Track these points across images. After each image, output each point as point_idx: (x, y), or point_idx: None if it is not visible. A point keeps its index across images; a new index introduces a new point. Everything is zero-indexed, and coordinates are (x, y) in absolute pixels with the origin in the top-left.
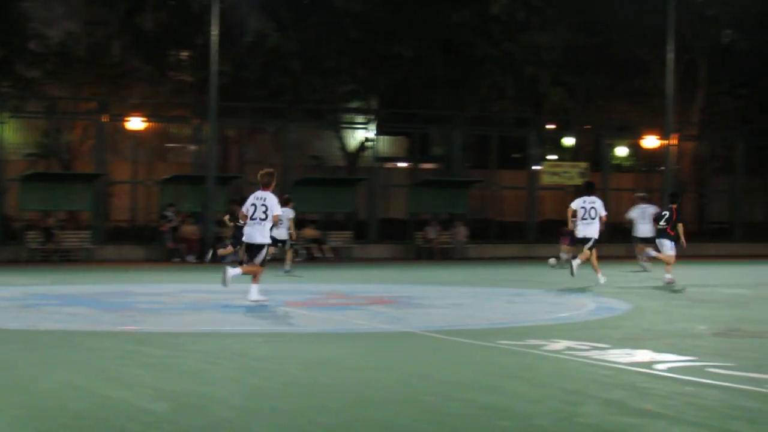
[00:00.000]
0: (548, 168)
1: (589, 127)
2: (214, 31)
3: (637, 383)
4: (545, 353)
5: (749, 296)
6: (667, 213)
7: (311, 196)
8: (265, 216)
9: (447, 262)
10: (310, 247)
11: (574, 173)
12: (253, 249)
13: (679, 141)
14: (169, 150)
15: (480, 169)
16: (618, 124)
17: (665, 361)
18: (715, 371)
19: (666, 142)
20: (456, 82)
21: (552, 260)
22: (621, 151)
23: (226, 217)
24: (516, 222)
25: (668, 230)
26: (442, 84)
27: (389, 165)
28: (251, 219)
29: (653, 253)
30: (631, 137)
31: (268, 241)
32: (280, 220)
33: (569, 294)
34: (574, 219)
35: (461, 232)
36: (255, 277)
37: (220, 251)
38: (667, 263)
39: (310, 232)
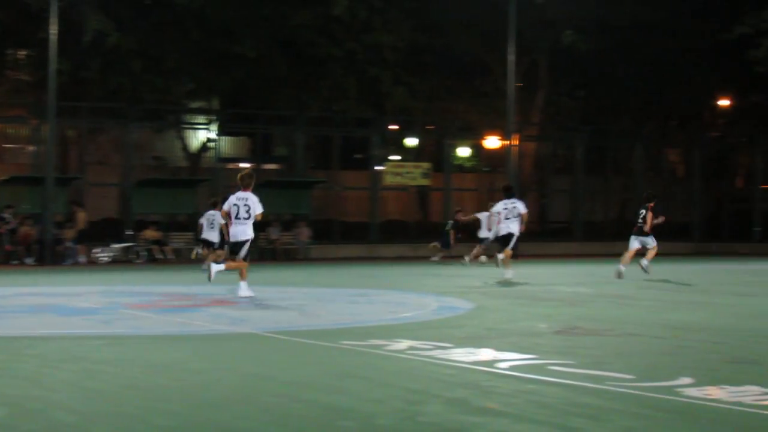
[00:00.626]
0: (391, 168)
1: (431, 127)
2: (53, 30)
3: (479, 382)
4: (388, 353)
5: (588, 294)
6: (644, 211)
7: (153, 197)
8: (249, 215)
9: (290, 262)
10: (152, 249)
11: (416, 174)
12: (236, 246)
13: (520, 141)
14: (6, 151)
15: (323, 170)
16: (460, 125)
17: (507, 360)
18: (556, 369)
19: (507, 142)
20: (298, 83)
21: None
22: (463, 151)
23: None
24: (359, 222)
25: (645, 229)
26: (284, 84)
27: (232, 166)
28: (236, 219)
29: (645, 262)
30: (473, 138)
31: (250, 237)
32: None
33: (412, 294)
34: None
35: (304, 232)
36: (242, 273)
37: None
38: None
39: (151, 233)
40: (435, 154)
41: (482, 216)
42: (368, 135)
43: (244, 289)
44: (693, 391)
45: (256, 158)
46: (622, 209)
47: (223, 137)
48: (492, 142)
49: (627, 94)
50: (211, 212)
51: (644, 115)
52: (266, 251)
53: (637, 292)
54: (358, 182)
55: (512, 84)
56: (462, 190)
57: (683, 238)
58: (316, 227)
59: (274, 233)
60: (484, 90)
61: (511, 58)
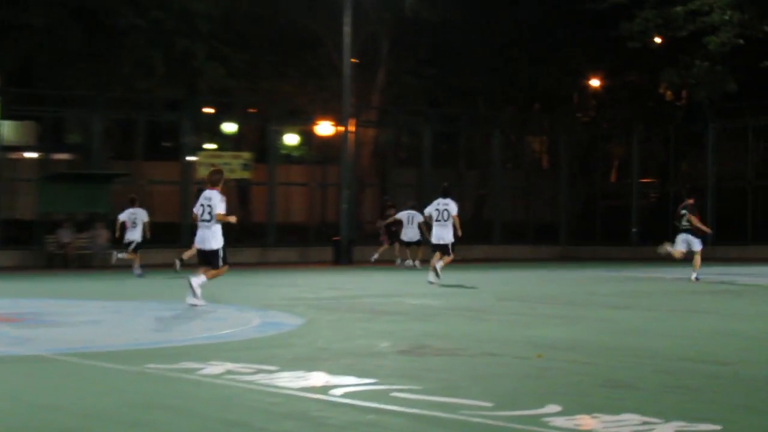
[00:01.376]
0: (206, 159)
1: (253, 110)
2: None
3: (310, 411)
4: (202, 378)
5: (438, 307)
6: (685, 212)
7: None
8: (210, 217)
9: (85, 270)
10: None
11: (236, 165)
12: (207, 256)
13: (357, 127)
14: None
15: (125, 161)
16: (287, 108)
17: (343, 385)
18: (399, 396)
19: (342, 128)
20: (95, 58)
21: (408, 262)
22: (291, 139)
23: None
24: (168, 223)
25: (693, 227)
26: (78, 59)
27: (14, 155)
28: (201, 221)
29: (676, 251)
30: (303, 123)
31: (220, 244)
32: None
33: (231, 307)
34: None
35: (102, 235)
36: (203, 280)
37: (186, 255)
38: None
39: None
40: (258, 142)
41: (404, 216)
42: (178, 119)
43: (196, 298)
44: (561, 421)
45: (44, 146)
46: (477, 207)
47: (5, 121)
48: (325, 129)
49: (482, 72)
50: (132, 210)
51: (503, 97)
52: (56, 257)
53: (494, 305)
54: (167, 175)
55: (348, 60)
56: (289, 185)
57: (548, 241)
58: (115, 229)
59: (65, 236)
60: (315, 67)
61: (347, 29)
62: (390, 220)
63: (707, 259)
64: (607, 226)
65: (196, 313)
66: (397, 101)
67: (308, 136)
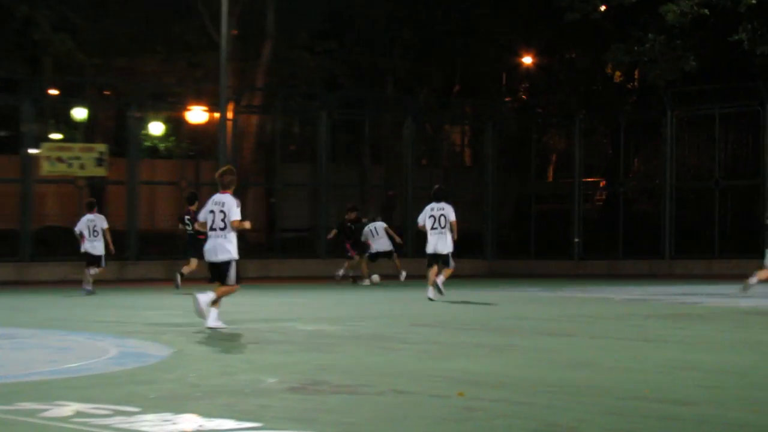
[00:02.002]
0: (50, 152)
1: (109, 93)
2: None
3: None
4: (46, 422)
5: (337, 335)
6: None
7: None
8: (225, 225)
9: None
10: None
11: (87, 160)
12: (218, 267)
13: (237, 114)
14: None
15: None
16: (151, 90)
17: (220, 430)
18: None
19: (219, 115)
20: None
21: (375, 277)
22: (156, 128)
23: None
24: (5, 230)
25: None
26: None
27: None
28: (211, 230)
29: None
30: (171, 109)
31: (235, 256)
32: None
33: (82, 335)
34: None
35: None
36: (217, 300)
37: (185, 269)
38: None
39: None
40: (115, 131)
41: (367, 232)
42: (17, 104)
43: (213, 319)
44: None
45: None
46: (385, 212)
47: None
48: (198, 116)
49: (391, 47)
50: (90, 217)
51: (416, 78)
52: None
53: (406, 331)
54: (3, 172)
55: (226, 31)
56: (154, 184)
57: (471, 254)
58: None
59: None
60: (186, 41)
61: None
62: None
63: (665, 276)
64: (543, 236)
65: (38, 342)
66: (286, 82)
67: (177, 125)
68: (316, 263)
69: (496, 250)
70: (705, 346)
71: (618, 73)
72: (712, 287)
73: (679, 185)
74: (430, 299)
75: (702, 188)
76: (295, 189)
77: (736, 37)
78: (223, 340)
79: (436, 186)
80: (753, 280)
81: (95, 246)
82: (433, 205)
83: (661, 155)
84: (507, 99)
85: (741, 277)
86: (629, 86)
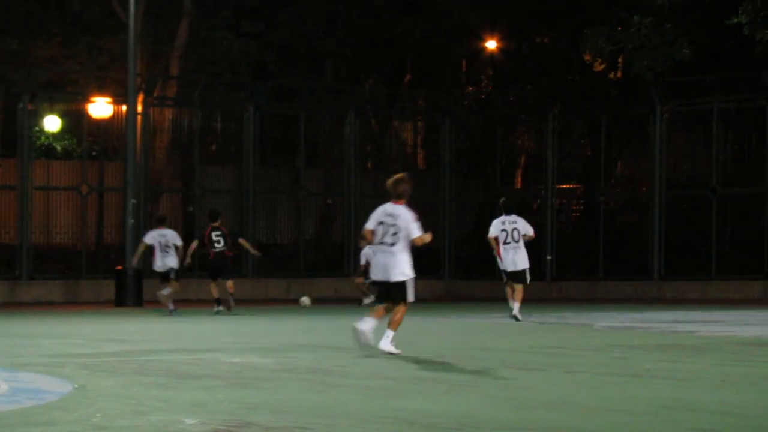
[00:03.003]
0: None
1: None
2: None
3: None
4: None
5: (268, 368)
6: None
7: None
8: (396, 240)
9: None
10: None
11: None
12: (389, 287)
13: (148, 107)
14: None
15: None
16: (46, 78)
17: None
18: None
19: (127, 108)
20: None
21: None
22: (51, 123)
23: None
24: None
25: None
26: None
27: None
28: (380, 244)
29: None
30: (70, 100)
31: (410, 274)
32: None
33: None
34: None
35: None
36: (396, 323)
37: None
38: None
39: None
40: (2, 127)
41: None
42: None
43: (390, 343)
44: None
45: None
46: (323, 223)
47: None
48: (102, 109)
49: (331, 29)
50: (161, 231)
51: (361, 65)
52: None
53: (349, 364)
54: None
55: (134, 9)
56: (50, 190)
57: (426, 273)
58: None
59: None
60: (87, 20)
61: None
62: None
63: (653, 300)
64: None
65: None
66: (207, 70)
67: (77, 120)
68: (242, 283)
69: (455, 269)
70: (700, 383)
71: (599, 62)
72: (708, 313)
73: (670, 193)
74: (516, 319)
75: (697, 197)
76: (217, 195)
77: (735, 20)
78: (134, 374)
79: (503, 198)
80: None
81: (165, 263)
82: (504, 218)
83: (648, 158)
84: (467, 90)
85: (741, 301)
86: (612, 77)
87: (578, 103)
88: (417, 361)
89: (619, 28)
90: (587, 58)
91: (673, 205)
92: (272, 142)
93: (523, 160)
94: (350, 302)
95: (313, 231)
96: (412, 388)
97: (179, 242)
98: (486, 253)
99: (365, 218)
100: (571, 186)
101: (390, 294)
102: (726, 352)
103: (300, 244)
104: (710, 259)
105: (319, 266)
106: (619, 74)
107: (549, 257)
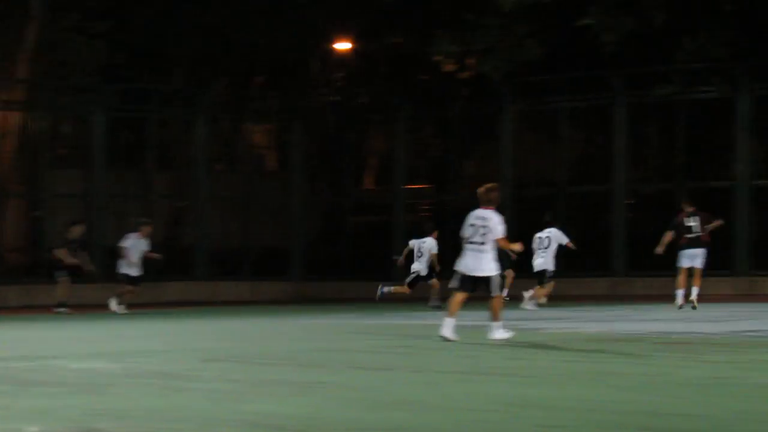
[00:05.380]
0: None
1: None
2: None
3: None
4: None
5: (113, 373)
6: (694, 219)
7: None
8: (484, 240)
9: None
10: None
11: None
12: (479, 281)
13: None
14: None
15: None
16: None
17: None
18: None
19: None
20: None
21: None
22: None
23: None
24: None
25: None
26: None
27: None
28: (471, 243)
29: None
30: None
31: (496, 271)
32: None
33: None
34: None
35: None
36: (495, 314)
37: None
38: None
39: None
40: None
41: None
42: None
43: (499, 331)
44: None
45: None
46: (173, 227)
47: None
48: None
49: (180, 30)
50: (422, 240)
51: (210, 68)
52: None
53: (196, 368)
54: None
55: None
56: None
57: (275, 275)
58: None
59: None
60: None
61: None
62: None
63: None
64: (359, 253)
65: None
66: (55, 73)
67: None
68: (88, 289)
69: (304, 271)
70: (546, 379)
71: (450, 63)
72: (554, 311)
73: (519, 192)
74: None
75: (546, 195)
76: (64, 200)
77: (585, 22)
78: None
79: (546, 216)
80: None
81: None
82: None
83: (498, 157)
84: (319, 92)
85: (587, 297)
86: (462, 76)
87: (428, 104)
88: (264, 364)
89: (468, 31)
90: (437, 59)
91: (523, 203)
92: (121, 146)
93: (374, 161)
94: (200, 304)
95: (163, 234)
96: (259, 391)
97: (435, 251)
98: (335, 253)
99: (216, 221)
100: (421, 186)
101: (472, 287)
102: (570, 348)
103: (150, 247)
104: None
105: (168, 269)
106: (469, 74)
107: (397, 257)
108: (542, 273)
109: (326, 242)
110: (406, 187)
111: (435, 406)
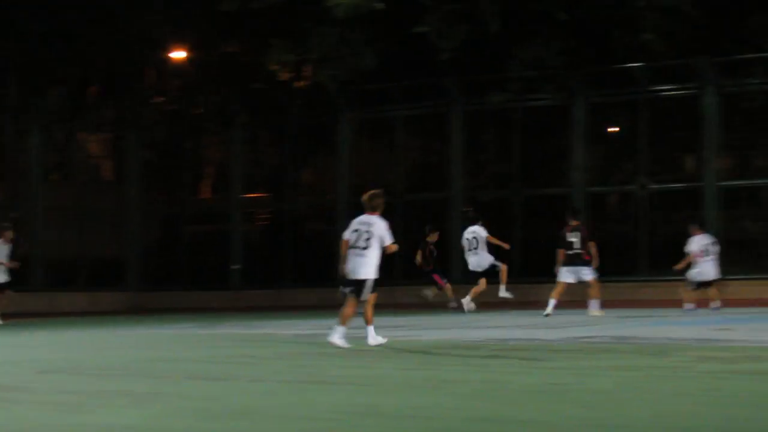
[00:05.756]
0: None
1: None
2: None
3: None
4: None
5: None
6: (575, 234)
7: None
8: (368, 245)
9: None
10: None
11: None
12: (358, 284)
13: None
14: None
15: None
16: None
17: None
18: None
19: None
20: None
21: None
22: None
23: None
24: None
25: (584, 255)
26: None
27: None
28: (353, 248)
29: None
30: None
31: (374, 276)
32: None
33: None
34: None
35: None
36: (367, 318)
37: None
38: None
39: None
40: None
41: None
42: None
43: (372, 337)
44: None
45: None
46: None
47: None
48: None
49: (13, 38)
50: (473, 229)
51: (44, 76)
52: None
53: (31, 380)
54: None
55: None
56: None
57: (111, 285)
58: None
59: None
60: None
61: None
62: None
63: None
64: (196, 263)
65: None
66: None
67: None
68: None
69: (140, 281)
70: (385, 387)
71: (285, 71)
72: (393, 318)
73: (356, 201)
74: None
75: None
76: None
77: (421, 29)
78: None
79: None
80: None
81: (479, 261)
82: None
83: (335, 166)
84: (155, 101)
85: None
86: (299, 85)
87: (265, 113)
88: (101, 375)
89: (304, 39)
90: (273, 67)
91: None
92: None
93: (210, 170)
94: (37, 316)
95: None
96: (95, 402)
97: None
98: (172, 263)
99: (52, 231)
100: (258, 195)
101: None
102: (408, 356)
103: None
104: (392, 264)
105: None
106: (306, 83)
107: (235, 266)
108: (479, 273)
109: (163, 252)
110: (243, 196)
111: (274, 416)
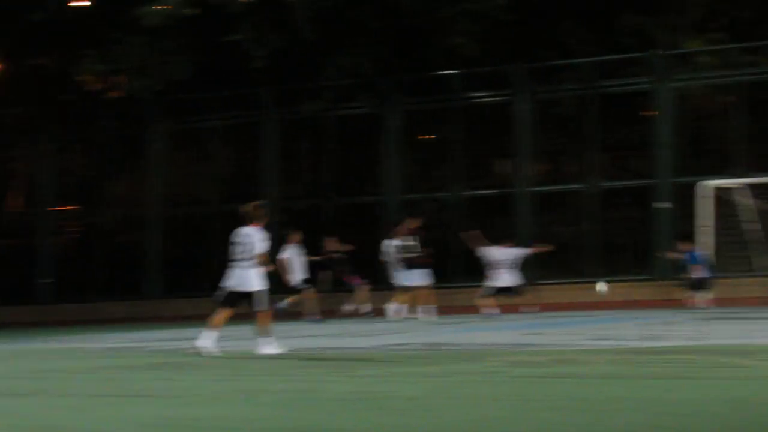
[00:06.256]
0: None
1: None
2: None
3: None
4: None
5: None
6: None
7: None
8: (249, 257)
9: None
10: None
11: None
12: (247, 296)
13: None
14: None
15: None
16: None
17: None
18: None
19: None
20: None
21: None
22: None
23: None
24: None
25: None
26: None
27: None
28: (233, 261)
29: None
30: None
31: (261, 287)
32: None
33: None
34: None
35: None
36: (263, 329)
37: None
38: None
39: None
40: None
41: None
42: None
43: (268, 345)
44: None
45: None
46: None
47: None
48: None
49: None
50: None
51: None
52: None
53: None
54: None
55: None
56: None
57: None
58: None
59: None
60: None
61: None
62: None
63: (151, 319)
64: (2, 278)
65: None
66: None
67: None
68: None
69: None
70: (193, 399)
71: (95, 81)
72: (196, 330)
73: (168, 212)
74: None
75: (197, 215)
76: None
77: (233, 38)
78: None
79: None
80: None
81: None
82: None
83: (148, 177)
84: None
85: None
86: (111, 95)
87: (75, 124)
88: None
89: (115, 48)
90: (82, 78)
91: (173, 224)
92: None
93: (19, 182)
94: None
95: None
96: None
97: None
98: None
99: None
100: (69, 207)
101: (238, 301)
102: (221, 368)
103: None
104: (209, 275)
105: None
106: (117, 93)
107: (45, 280)
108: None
109: None
110: (53, 209)
111: (85, 430)
